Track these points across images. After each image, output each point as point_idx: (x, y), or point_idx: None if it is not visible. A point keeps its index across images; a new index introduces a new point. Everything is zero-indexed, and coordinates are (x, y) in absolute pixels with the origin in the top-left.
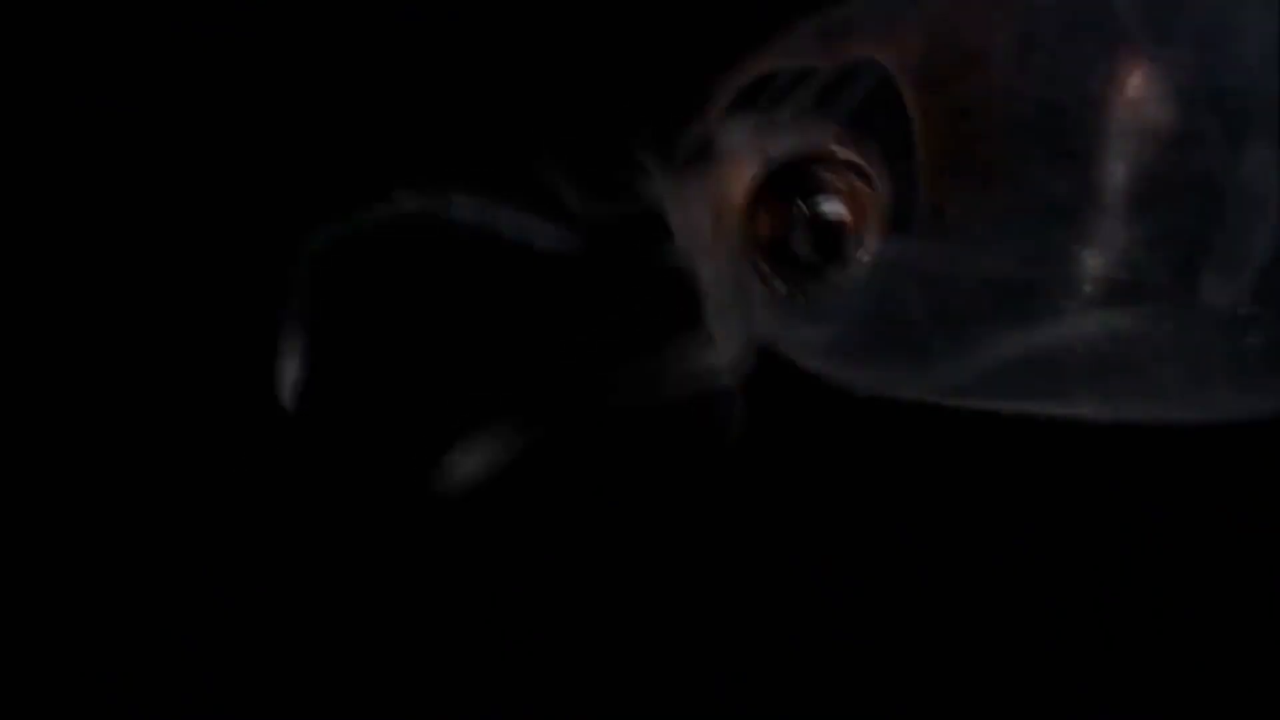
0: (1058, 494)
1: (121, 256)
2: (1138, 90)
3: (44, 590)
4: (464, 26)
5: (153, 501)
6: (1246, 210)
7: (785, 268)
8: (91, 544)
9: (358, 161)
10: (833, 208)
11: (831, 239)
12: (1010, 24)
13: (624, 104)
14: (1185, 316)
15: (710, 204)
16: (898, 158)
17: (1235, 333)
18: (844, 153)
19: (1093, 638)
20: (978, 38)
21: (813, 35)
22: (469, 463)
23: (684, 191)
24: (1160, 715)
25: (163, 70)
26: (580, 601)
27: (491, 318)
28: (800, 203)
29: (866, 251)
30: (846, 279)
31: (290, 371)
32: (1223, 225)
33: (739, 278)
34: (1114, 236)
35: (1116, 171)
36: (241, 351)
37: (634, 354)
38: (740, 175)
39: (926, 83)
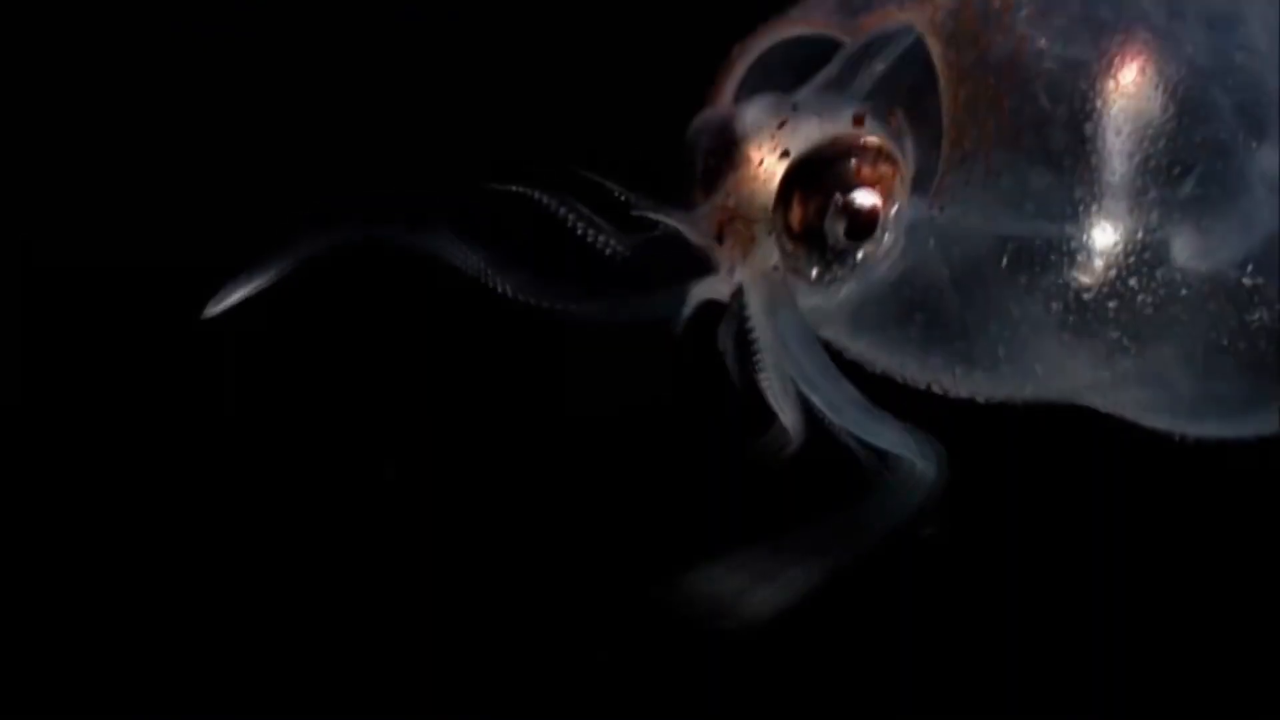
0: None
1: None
2: (1152, 59)
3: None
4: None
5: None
6: (1255, 187)
7: (815, 252)
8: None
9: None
10: (866, 198)
11: (864, 224)
12: None
13: (639, 78)
14: (1195, 283)
15: (733, 198)
16: (920, 118)
17: (1241, 305)
18: (870, 138)
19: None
20: None
21: (834, 3)
22: (761, 598)
23: (701, 193)
24: None
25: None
26: None
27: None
28: (837, 197)
29: (894, 223)
30: (874, 252)
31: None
32: (1229, 197)
33: (773, 277)
34: (1130, 198)
35: (1133, 134)
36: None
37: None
38: (763, 165)
39: (953, 38)
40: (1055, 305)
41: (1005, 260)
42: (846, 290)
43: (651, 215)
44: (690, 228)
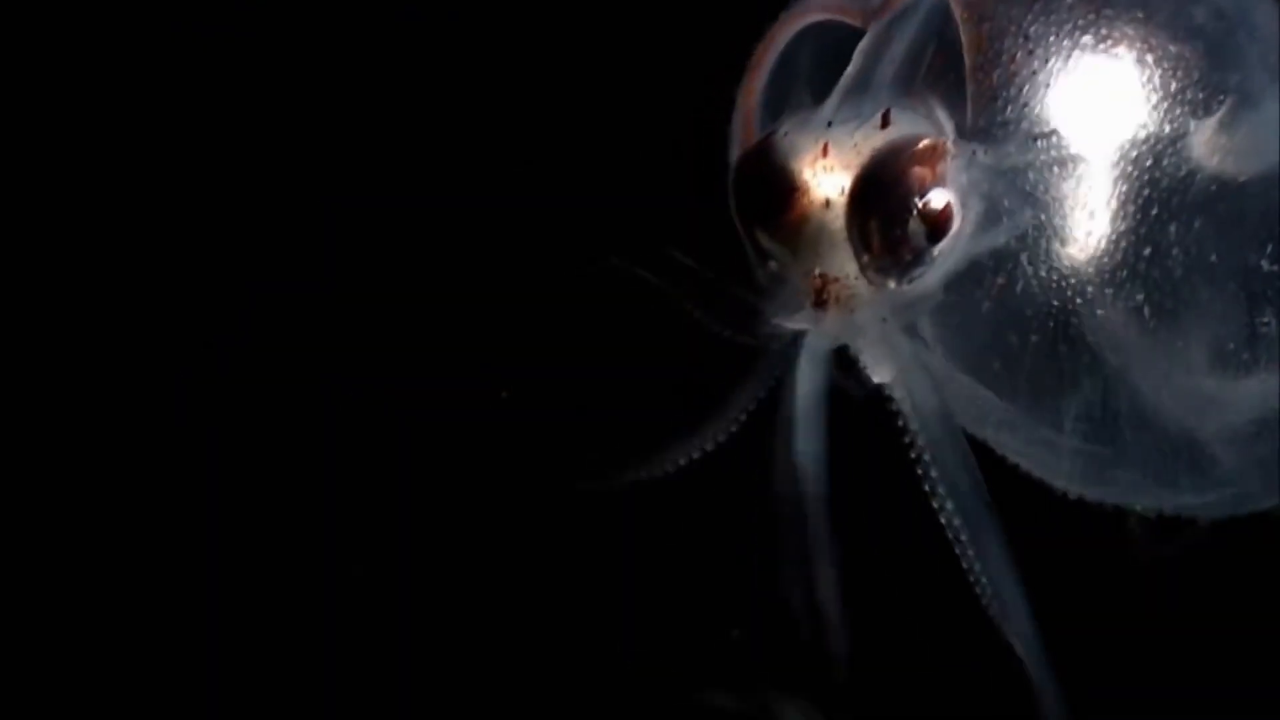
0: None
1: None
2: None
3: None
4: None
5: None
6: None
7: (897, 265)
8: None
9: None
10: (939, 198)
11: (944, 221)
12: None
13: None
14: (1223, 252)
15: (818, 262)
16: (941, 74)
17: (1255, 298)
18: (921, 142)
19: None
20: None
21: None
22: None
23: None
24: None
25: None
26: None
27: None
28: (914, 202)
29: (959, 199)
30: (953, 238)
31: None
32: (1257, 151)
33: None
34: (1172, 124)
35: (1165, 64)
36: None
37: None
38: (829, 209)
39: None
40: (1102, 250)
41: (1051, 195)
42: (927, 284)
43: (768, 324)
44: (792, 314)
